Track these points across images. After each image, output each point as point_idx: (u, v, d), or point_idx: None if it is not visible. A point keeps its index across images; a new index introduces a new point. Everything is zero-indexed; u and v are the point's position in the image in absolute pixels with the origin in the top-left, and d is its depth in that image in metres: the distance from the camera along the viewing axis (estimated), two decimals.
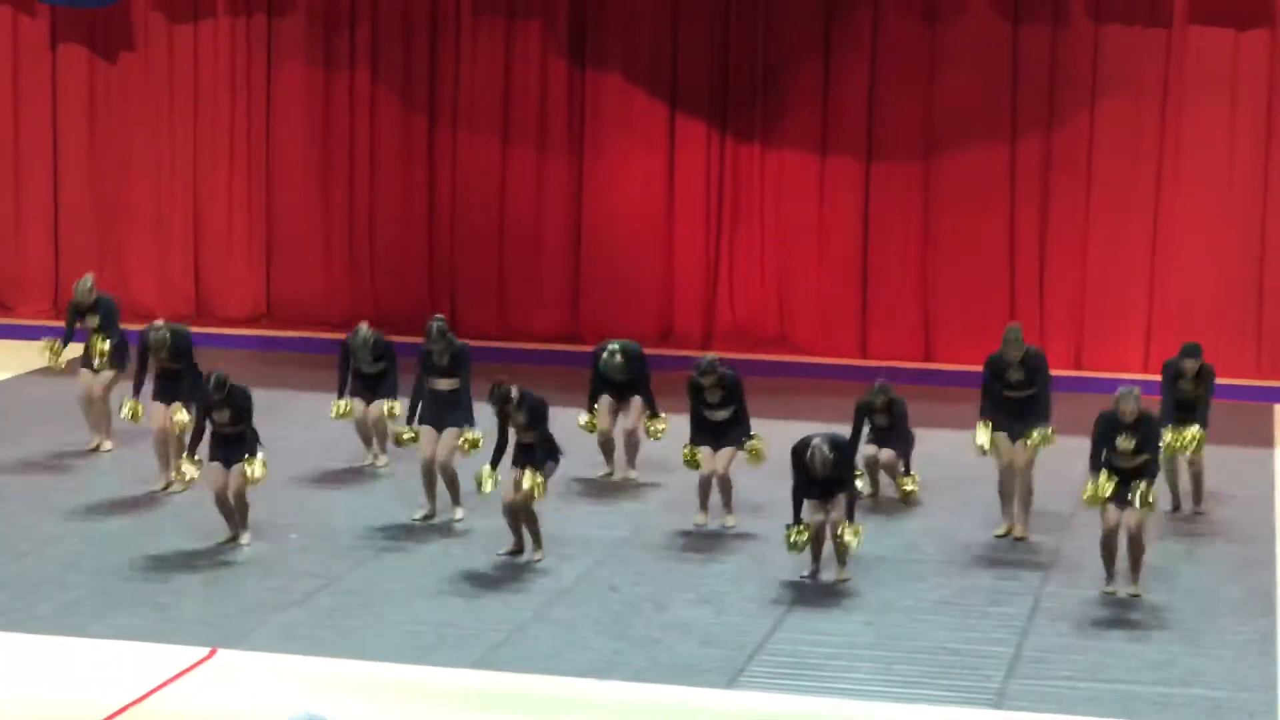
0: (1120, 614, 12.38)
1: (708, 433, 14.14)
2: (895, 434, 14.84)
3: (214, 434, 13.42)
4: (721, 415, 14.12)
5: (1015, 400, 13.91)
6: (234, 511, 13.40)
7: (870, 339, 20.37)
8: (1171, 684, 11.09)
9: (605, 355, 15.23)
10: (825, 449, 12.51)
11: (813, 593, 12.69)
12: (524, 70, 21.12)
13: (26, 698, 9.81)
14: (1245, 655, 11.61)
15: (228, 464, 13.29)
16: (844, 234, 20.56)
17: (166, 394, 14.85)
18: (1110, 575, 12.68)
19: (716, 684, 10.95)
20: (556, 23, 20.98)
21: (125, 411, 15.16)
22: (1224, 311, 19.43)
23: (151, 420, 14.99)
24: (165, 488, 14.83)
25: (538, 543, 13.20)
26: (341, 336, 15.97)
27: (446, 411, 14.16)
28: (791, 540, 12.72)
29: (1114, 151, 19.90)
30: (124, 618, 11.84)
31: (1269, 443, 17.07)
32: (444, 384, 14.20)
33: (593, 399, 15.40)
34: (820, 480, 12.65)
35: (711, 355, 14.55)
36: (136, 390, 15.26)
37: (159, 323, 15.14)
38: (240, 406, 13.33)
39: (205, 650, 11.11)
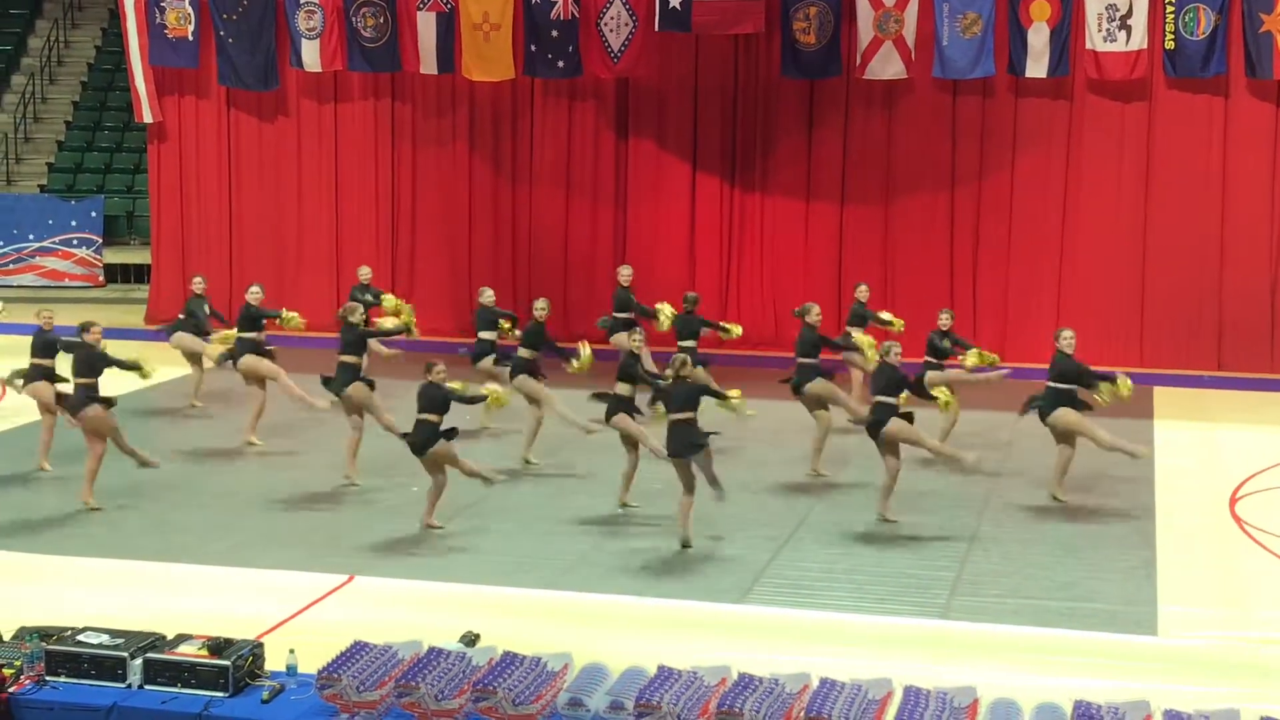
0: (1036, 546, 12.27)
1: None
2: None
3: None
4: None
5: None
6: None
7: None
8: (1075, 599, 11.00)
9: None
10: None
11: (801, 529, 12.60)
12: (581, 141, 21.08)
13: (204, 615, 9.75)
14: (1132, 578, 11.50)
15: None
16: (823, 261, 20.47)
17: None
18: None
19: (730, 600, 10.89)
20: (606, 104, 20.93)
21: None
22: (1114, 316, 19.29)
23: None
24: None
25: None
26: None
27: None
28: None
29: (1029, 195, 19.83)
30: (281, 552, 11.79)
31: (1149, 415, 16.92)
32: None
33: None
34: None
35: None
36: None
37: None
38: None
39: (345, 577, 11.08)
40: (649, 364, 14.20)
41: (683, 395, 11.96)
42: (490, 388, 13.64)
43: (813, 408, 14.22)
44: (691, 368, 12.42)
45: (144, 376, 13.68)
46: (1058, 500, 13.41)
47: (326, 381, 13.95)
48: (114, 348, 13.90)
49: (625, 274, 17.28)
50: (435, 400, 12.20)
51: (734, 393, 12.87)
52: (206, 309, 16.56)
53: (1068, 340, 13.41)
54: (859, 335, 15.82)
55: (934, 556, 11.95)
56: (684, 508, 12.03)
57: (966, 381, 14.90)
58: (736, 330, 16.07)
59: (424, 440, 12.19)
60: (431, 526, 12.40)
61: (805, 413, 14.47)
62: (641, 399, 13.02)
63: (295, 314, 15.73)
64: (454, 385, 12.48)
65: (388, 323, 15.56)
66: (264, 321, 15.25)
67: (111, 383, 13.12)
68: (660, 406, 12.31)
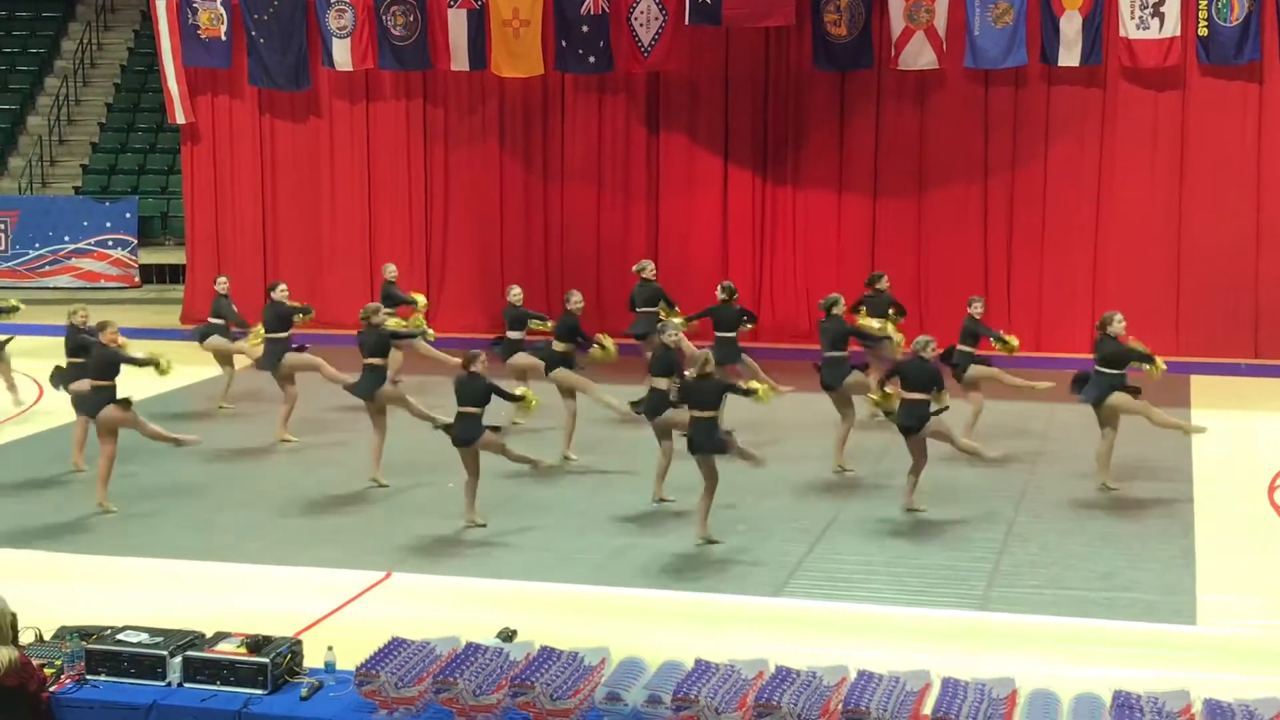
0: (1073, 536, 12.20)
1: None
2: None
3: None
4: None
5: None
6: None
7: None
8: (1114, 589, 10.93)
9: None
10: None
11: (837, 522, 12.56)
12: (612, 135, 21.09)
13: (243, 613, 9.77)
14: (1171, 568, 11.42)
15: None
16: (856, 254, 20.38)
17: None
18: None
19: (767, 593, 10.87)
20: (636, 98, 20.93)
21: None
22: (1149, 305, 19.16)
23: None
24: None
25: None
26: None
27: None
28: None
29: (1062, 185, 19.74)
30: (318, 550, 11.81)
31: (1186, 404, 16.80)
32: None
33: None
34: None
35: None
36: None
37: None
38: None
39: (382, 573, 11.09)
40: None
41: (705, 392, 11.91)
42: (525, 390, 13.61)
43: (842, 405, 14.11)
44: (715, 364, 12.17)
45: (162, 373, 13.32)
46: (1109, 488, 13.31)
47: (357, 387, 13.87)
48: (149, 348, 13.96)
49: (648, 269, 17.00)
50: (477, 392, 12.20)
51: (755, 385, 12.56)
52: (234, 309, 16.57)
53: (1119, 324, 13.33)
54: (866, 321, 15.62)
55: (971, 548, 11.90)
56: (702, 507, 11.96)
57: (1006, 383, 14.73)
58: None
59: (469, 433, 12.18)
60: (474, 524, 12.38)
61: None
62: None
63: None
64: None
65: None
66: (292, 319, 15.28)
67: (136, 384, 13.16)
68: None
